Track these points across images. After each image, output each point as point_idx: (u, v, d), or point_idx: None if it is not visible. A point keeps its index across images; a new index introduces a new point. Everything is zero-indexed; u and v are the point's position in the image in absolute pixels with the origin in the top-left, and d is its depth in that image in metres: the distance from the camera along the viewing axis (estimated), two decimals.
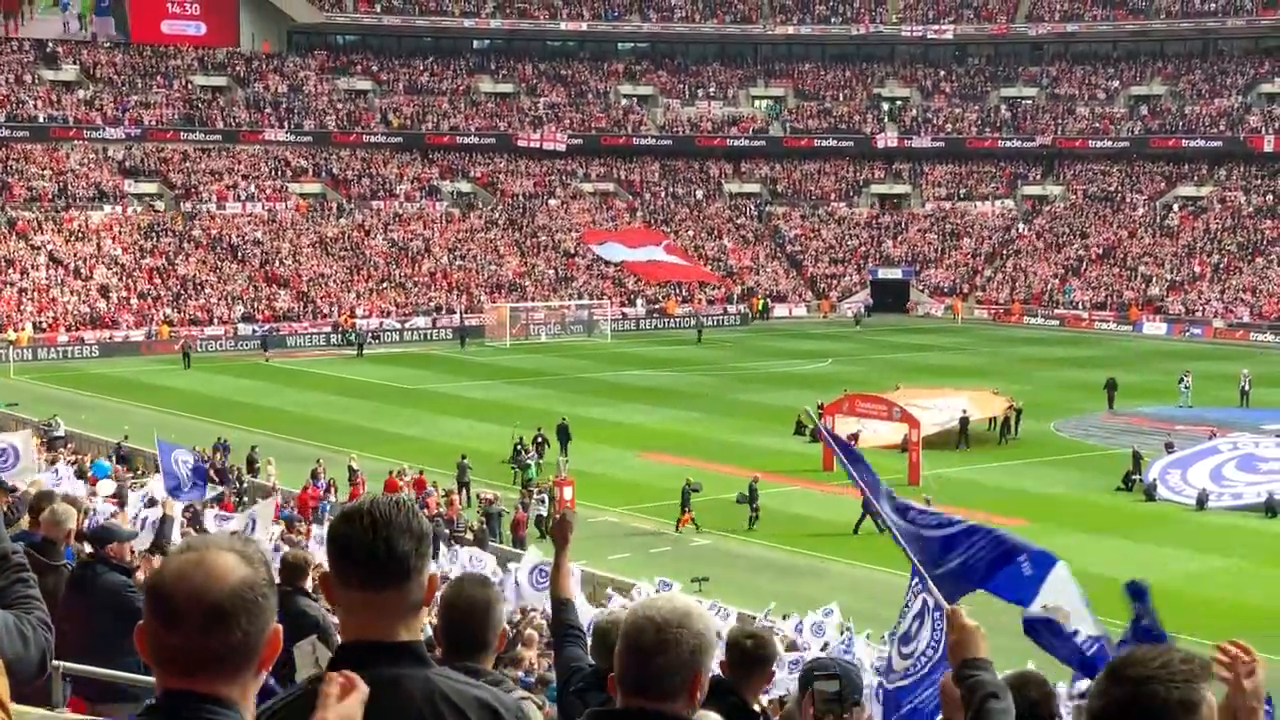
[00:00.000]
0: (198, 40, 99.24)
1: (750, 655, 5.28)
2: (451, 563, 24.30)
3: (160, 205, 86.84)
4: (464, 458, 42.09)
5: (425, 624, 4.16)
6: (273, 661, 2.89)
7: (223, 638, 2.79)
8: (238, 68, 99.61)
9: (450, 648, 4.43)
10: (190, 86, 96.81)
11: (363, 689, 2.88)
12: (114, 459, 39.08)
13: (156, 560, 9.26)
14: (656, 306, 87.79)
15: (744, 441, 49.02)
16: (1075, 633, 5.86)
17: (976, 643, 4.44)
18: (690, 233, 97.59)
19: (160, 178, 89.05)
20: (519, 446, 43.80)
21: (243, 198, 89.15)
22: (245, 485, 39.20)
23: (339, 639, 3.35)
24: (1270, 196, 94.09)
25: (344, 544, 3.27)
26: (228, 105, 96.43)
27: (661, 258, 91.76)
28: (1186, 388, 56.75)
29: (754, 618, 24.68)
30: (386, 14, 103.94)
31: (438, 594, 4.03)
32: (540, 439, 45.29)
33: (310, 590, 8.96)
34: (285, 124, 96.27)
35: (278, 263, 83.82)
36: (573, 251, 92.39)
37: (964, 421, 47.96)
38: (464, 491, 40.31)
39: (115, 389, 60.35)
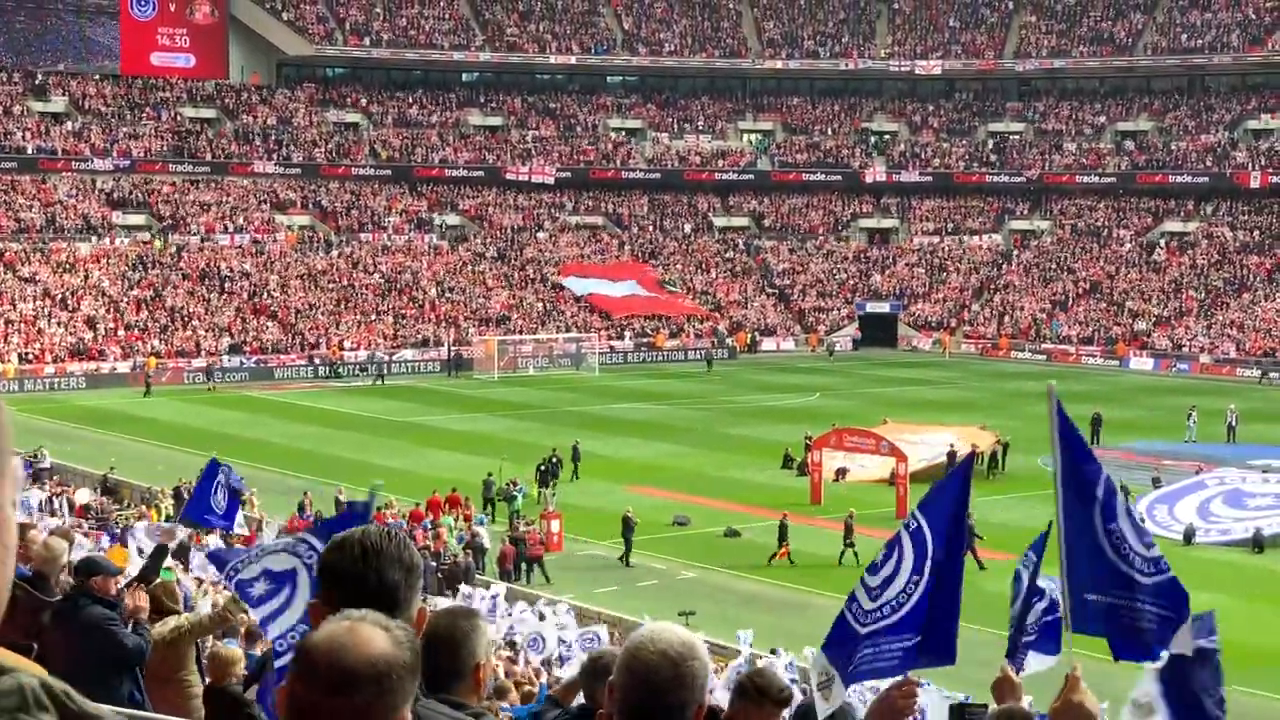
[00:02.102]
0: (187, 72, 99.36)
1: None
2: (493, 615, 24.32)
3: (148, 237, 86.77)
4: (490, 475, 43.08)
5: None
6: None
7: (348, 702, 2.78)
8: (227, 100, 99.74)
9: (429, 679, 4.41)
10: (179, 118, 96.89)
11: None
12: (99, 490, 38.99)
13: (141, 593, 9.20)
14: (645, 340, 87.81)
15: (731, 475, 48.99)
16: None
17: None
18: (678, 266, 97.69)
19: (148, 209, 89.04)
20: (488, 481, 43.80)
21: (231, 230, 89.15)
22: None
23: None
24: (1256, 232, 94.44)
25: (334, 572, 3.26)
26: (216, 137, 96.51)
27: (639, 292, 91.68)
28: (1194, 423, 57.03)
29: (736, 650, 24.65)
30: (375, 47, 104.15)
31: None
32: (554, 459, 46.68)
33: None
34: (274, 156, 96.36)
35: (265, 295, 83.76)
36: (561, 285, 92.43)
37: (951, 455, 47.93)
38: (489, 507, 41.86)
39: (101, 420, 60.23)
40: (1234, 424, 57.60)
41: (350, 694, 2.76)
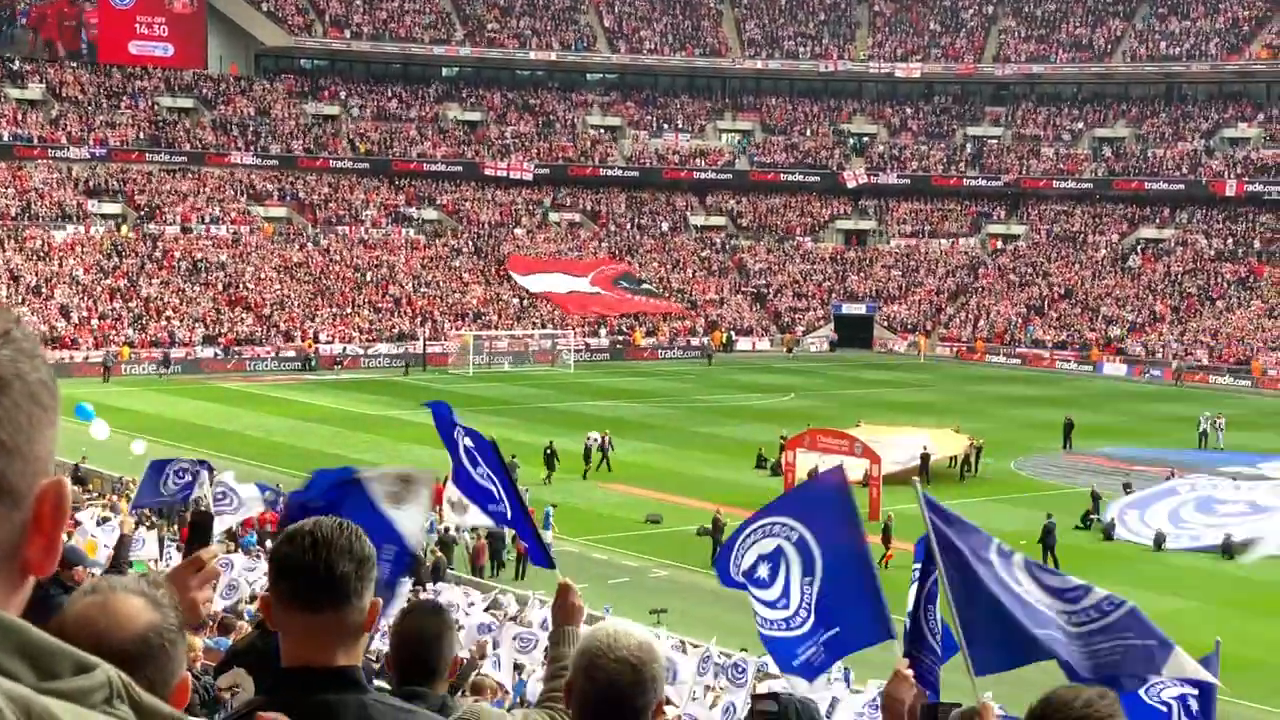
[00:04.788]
0: (165, 62, 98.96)
1: None
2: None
3: (124, 226, 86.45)
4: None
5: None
6: (180, 709, 2.79)
7: None
8: (205, 90, 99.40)
9: (400, 676, 4.42)
10: (156, 108, 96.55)
11: None
12: (70, 480, 38.81)
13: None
14: (621, 338, 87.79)
15: (705, 474, 49.01)
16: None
17: None
18: (655, 264, 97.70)
19: (124, 198, 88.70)
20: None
21: (207, 220, 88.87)
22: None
23: None
24: (1230, 240, 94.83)
25: (284, 563, 3.24)
26: (194, 127, 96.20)
27: (588, 289, 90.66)
28: (1220, 429, 57.30)
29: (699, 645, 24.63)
30: (355, 39, 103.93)
31: (388, 621, 3.99)
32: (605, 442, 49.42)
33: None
34: (251, 147, 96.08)
35: (241, 286, 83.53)
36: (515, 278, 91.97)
37: (925, 458, 48.08)
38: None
39: (69, 410, 59.90)
40: (1206, 430, 57.82)
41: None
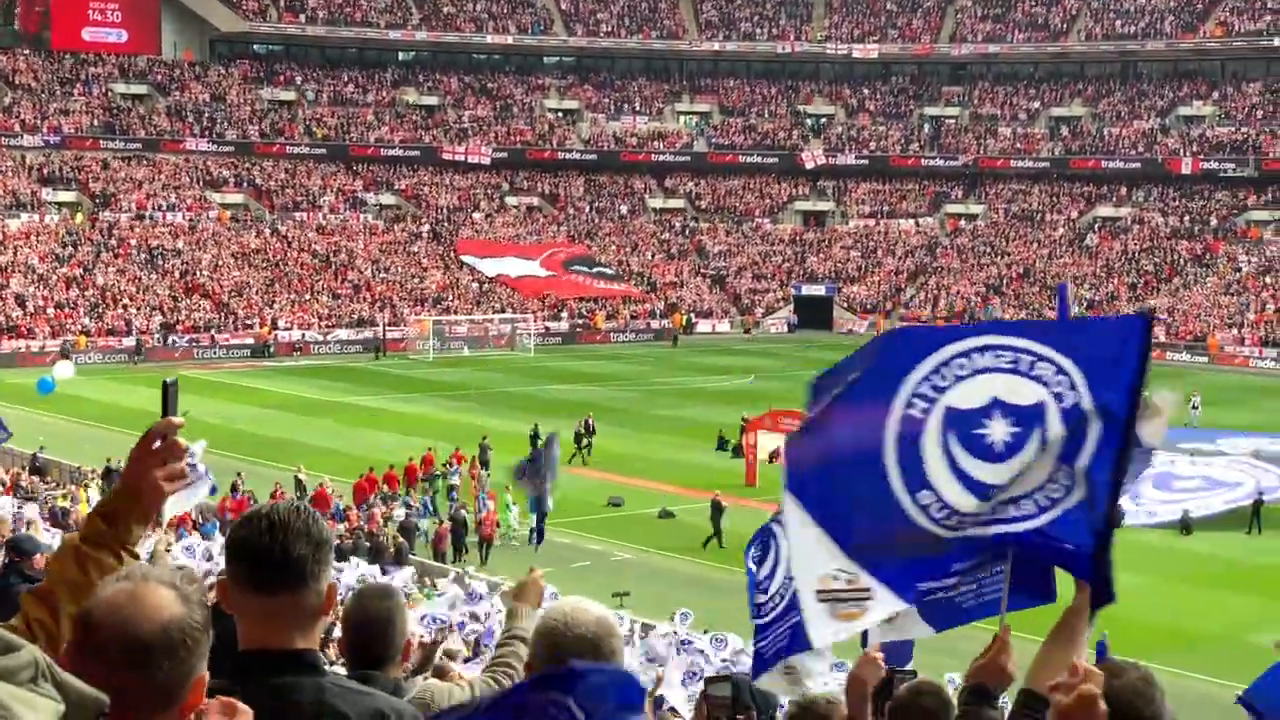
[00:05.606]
0: (119, 48, 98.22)
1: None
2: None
3: (79, 214, 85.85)
4: (485, 438, 45.19)
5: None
6: (196, 708, 2.72)
7: (143, 676, 2.64)
8: (159, 76, 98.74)
9: (353, 660, 4.42)
10: (110, 94, 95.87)
11: (246, 713, 2.80)
12: (28, 470, 38.59)
13: None
14: (581, 322, 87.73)
15: (666, 457, 49.05)
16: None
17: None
18: (614, 247, 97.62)
19: (79, 186, 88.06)
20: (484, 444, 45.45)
21: (163, 207, 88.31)
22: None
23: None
24: (1187, 218, 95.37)
25: (240, 546, 3.24)
26: (149, 114, 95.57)
27: (538, 273, 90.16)
28: (1196, 408, 57.44)
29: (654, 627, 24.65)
30: (311, 24, 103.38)
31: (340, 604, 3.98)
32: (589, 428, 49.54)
33: None
34: (207, 133, 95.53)
35: (198, 273, 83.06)
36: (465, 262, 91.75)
37: None
38: (485, 470, 42.70)
39: (31, 400, 59.50)
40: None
41: (146, 667, 2.62)
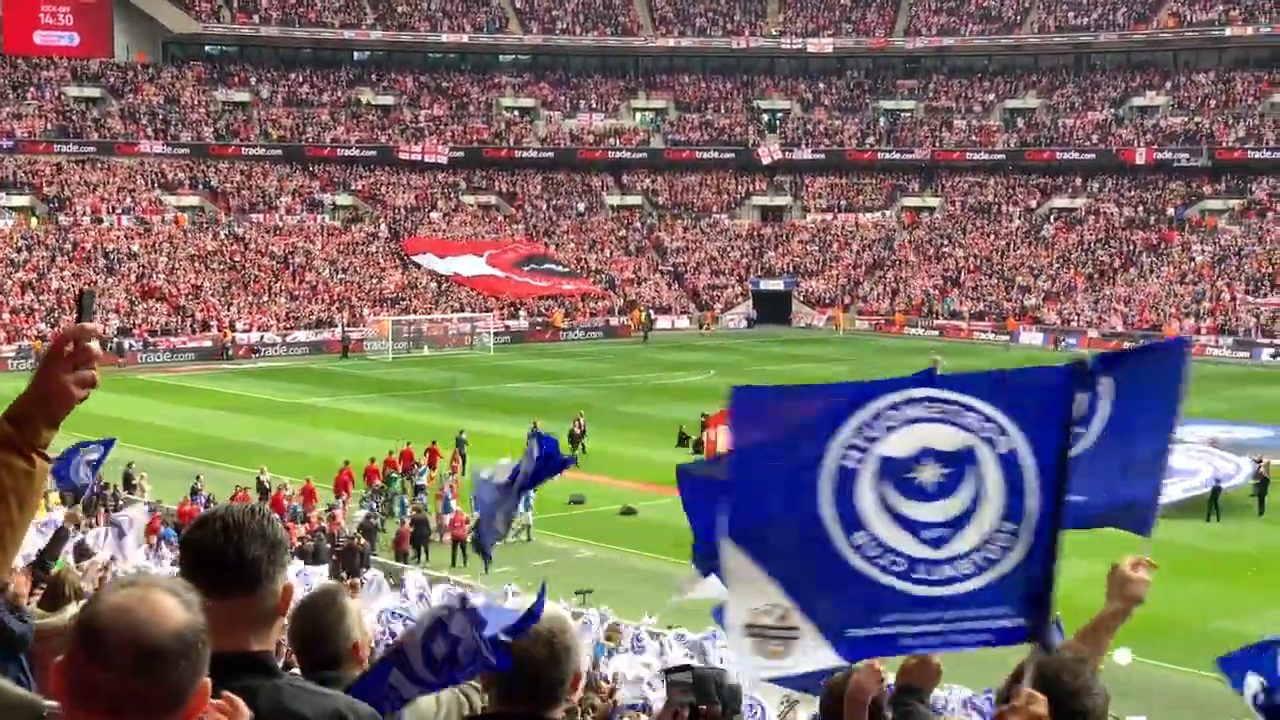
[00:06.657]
0: (71, 51, 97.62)
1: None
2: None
3: (33, 219, 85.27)
4: (462, 432, 46.10)
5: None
6: (199, 713, 2.70)
7: (153, 682, 2.60)
8: (112, 79, 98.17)
9: (304, 663, 4.37)
10: (63, 98, 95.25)
11: (246, 713, 2.78)
12: None
13: (22, 577, 9.02)
14: (540, 319, 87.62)
15: (626, 453, 49.05)
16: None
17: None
18: (572, 245, 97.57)
19: (33, 190, 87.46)
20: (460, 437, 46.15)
21: (118, 210, 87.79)
22: (123, 503, 38.53)
23: None
24: (1141, 208, 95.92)
25: (194, 548, 3.23)
26: (102, 117, 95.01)
27: (486, 272, 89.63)
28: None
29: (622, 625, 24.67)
30: (264, 25, 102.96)
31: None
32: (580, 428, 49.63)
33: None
34: (161, 136, 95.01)
35: (154, 276, 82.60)
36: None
37: None
38: (464, 463, 43.19)
39: None
40: None
41: (156, 673, 2.59)
